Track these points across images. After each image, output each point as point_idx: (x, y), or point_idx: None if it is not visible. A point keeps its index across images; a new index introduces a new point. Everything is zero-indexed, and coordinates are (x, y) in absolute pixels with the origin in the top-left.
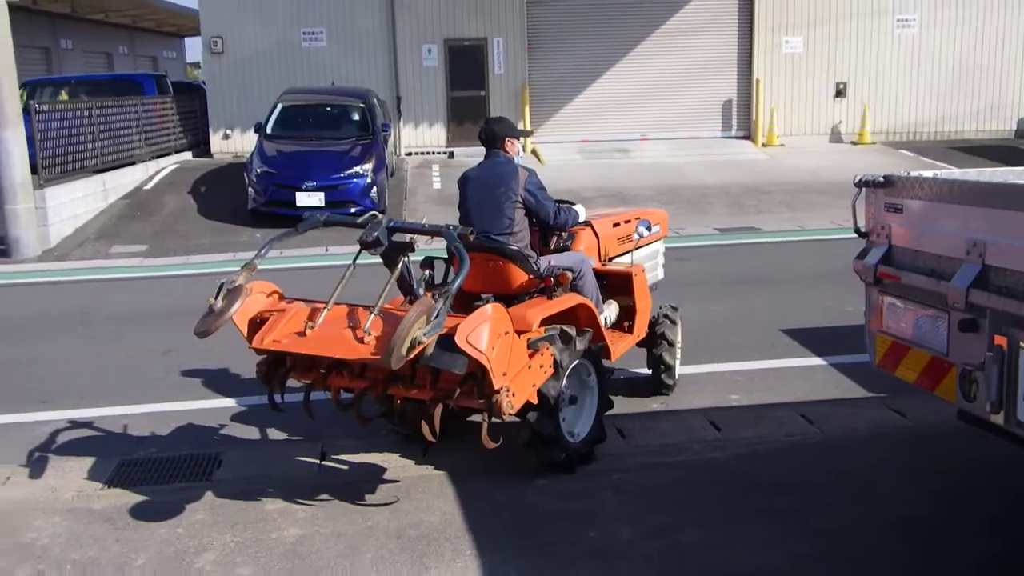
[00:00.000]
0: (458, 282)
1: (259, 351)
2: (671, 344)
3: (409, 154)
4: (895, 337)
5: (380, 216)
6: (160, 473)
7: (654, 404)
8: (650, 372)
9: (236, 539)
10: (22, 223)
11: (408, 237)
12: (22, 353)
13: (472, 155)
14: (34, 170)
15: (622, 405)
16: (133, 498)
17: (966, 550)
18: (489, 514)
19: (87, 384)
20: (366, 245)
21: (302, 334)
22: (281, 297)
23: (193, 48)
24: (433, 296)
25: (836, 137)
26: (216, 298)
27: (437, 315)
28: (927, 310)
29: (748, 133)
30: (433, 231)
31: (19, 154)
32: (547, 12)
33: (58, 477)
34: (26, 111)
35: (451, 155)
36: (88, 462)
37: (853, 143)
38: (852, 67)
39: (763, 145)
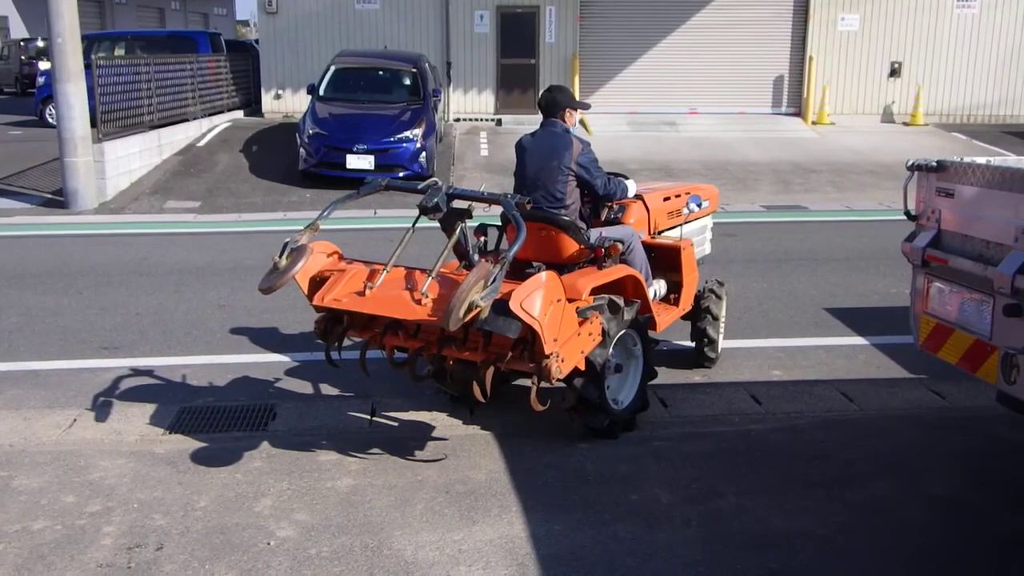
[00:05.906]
0: (515, 249)
1: (319, 309)
2: (715, 318)
3: (457, 120)
4: (939, 319)
5: (440, 183)
6: (218, 422)
7: (696, 376)
8: (694, 345)
9: (292, 487)
10: (81, 176)
11: (466, 204)
12: (84, 301)
13: (520, 123)
14: (93, 124)
15: (665, 376)
16: (193, 444)
17: (998, 525)
18: (533, 474)
19: (147, 333)
20: (426, 210)
21: (361, 294)
22: (341, 258)
23: (243, 6)
24: (490, 262)
25: (888, 117)
26: (281, 256)
27: (494, 280)
28: (972, 294)
29: (798, 110)
30: (491, 199)
31: (80, 108)
32: None
33: (122, 421)
34: (87, 66)
35: (499, 122)
36: (150, 408)
37: (905, 124)
38: (908, 47)
39: (813, 123)
